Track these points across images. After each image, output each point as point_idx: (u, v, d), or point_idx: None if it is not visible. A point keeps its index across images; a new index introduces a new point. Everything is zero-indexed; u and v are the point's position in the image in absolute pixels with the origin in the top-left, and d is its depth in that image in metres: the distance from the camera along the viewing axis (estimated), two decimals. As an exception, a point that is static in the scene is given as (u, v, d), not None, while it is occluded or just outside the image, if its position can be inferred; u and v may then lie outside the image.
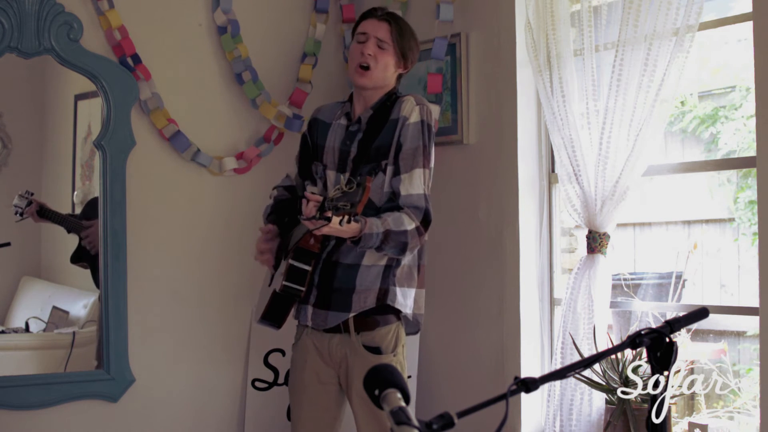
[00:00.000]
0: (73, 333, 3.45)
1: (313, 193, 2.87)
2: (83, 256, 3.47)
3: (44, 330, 3.47)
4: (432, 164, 2.88)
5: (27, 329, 3.45)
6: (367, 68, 2.85)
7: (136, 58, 3.42)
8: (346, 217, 2.42)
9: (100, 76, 3.32)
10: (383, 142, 2.83)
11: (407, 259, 2.86)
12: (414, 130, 2.80)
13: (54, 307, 3.51)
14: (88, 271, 3.50)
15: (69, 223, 3.46)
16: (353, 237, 2.66)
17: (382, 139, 2.83)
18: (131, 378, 3.42)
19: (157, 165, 3.51)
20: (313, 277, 2.84)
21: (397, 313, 2.86)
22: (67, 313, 3.51)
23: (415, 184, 2.78)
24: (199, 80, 3.60)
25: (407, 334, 2.94)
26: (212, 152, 3.59)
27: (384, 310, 2.84)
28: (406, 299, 2.86)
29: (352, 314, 2.82)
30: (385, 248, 2.72)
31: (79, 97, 3.55)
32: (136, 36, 3.41)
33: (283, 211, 2.99)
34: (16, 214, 3.38)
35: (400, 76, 2.97)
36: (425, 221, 2.78)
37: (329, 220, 2.42)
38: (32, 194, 3.38)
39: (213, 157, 3.58)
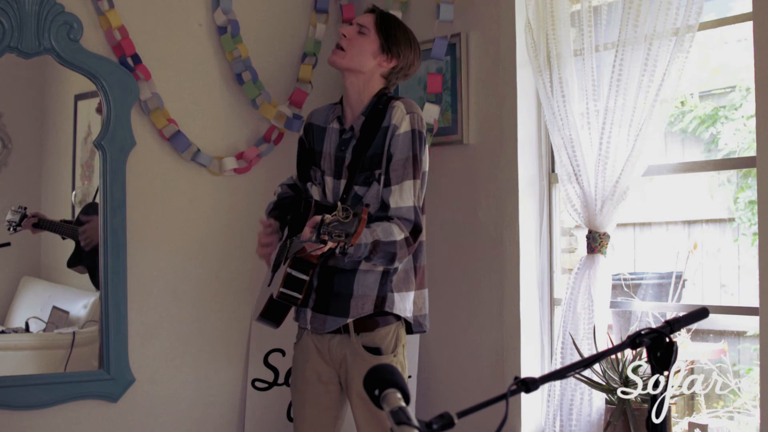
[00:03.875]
0: (73, 333, 3.45)
1: (315, 200, 2.90)
2: (80, 260, 3.47)
3: (44, 330, 3.46)
4: (425, 169, 2.86)
5: (27, 329, 3.45)
6: (341, 49, 2.89)
7: (136, 58, 3.42)
8: (341, 245, 2.42)
9: (100, 76, 3.32)
10: (376, 151, 2.82)
11: (401, 264, 2.85)
12: (404, 140, 2.79)
13: (54, 307, 3.51)
14: (84, 273, 3.50)
15: (65, 229, 3.46)
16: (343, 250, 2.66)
17: (375, 147, 2.82)
18: (131, 378, 3.42)
19: (157, 165, 3.51)
20: (312, 282, 2.84)
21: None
22: (67, 313, 3.51)
23: (405, 195, 2.77)
24: (199, 80, 3.60)
25: (414, 332, 2.94)
26: (212, 152, 3.59)
27: (384, 311, 2.84)
28: (404, 303, 2.86)
29: (349, 320, 2.82)
30: (374, 258, 2.71)
31: (79, 97, 3.55)
32: (136, 36, 3.41)
33: (286, 208, 2.99)
34: (9, 229, 3.37)
35: (389, 77, 2.92)
36: (414, 232, 2.77)
37: (325, 243, 2.44)
38: (26, 208, 3.38)
39: (213, 157, 3.58)
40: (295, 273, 2.77)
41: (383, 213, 2.78)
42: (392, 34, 2.87)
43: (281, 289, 2.78)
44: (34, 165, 3.55)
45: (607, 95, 2.92)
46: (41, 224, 3.42)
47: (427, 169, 2.88)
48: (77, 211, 3.54)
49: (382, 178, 2.80)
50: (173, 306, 3.54)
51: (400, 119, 2.80)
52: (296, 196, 3.06)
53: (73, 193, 3.54)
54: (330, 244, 2.47)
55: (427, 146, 2.88)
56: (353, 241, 2.39)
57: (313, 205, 2.89)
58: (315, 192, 2.94)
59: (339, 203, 2.63)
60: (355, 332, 2.83)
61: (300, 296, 2.78)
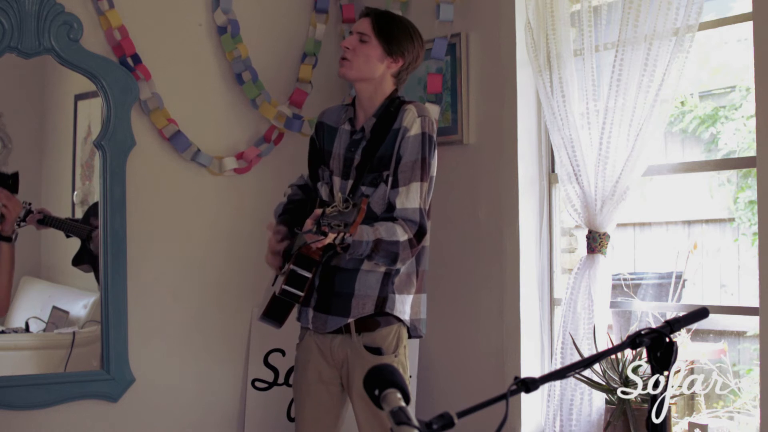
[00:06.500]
0: (73, 333, 3.45)
1: (323, 199, 2.90)
2: (85, 259, 3.47)
3: (44, 330, 3.46)
4: (433, 174, 2.86)
5: (27, 329, 3.45)
6: (346, 60, 2.87)
7: (136, 58, 3.42)
8: (341, 235, 2.46)
9: (100, 76, 3.32)
10: (386, 152, 2.82)
11: (404, 266, 2.85)
12: (414, 142, 2.79)
13: (54, 307, 3.51)
14: (88, 272, 3.50)
15: (71, 227, 3.45)
16: (343, 243, 2.66)
17: (384, 148, 2.83)
18: (131, 378, 3.42)
19: (157, 165, 3.51)
20: (314, 281, 2.84)
21: None
22: (67, 313, 3.51)
23: (411, 197, 2.77)
24: (199, 80, 3.60)
25: (411, 337, 2.94)
26: (212, 152, 3.59)
27: (385, 311, 2.84)
28: (404, 306, 2.86)
29: (350, 320, 2.82)
30: (376, 257, 2.72)
31: (79, 97, 3.55)
32: (136, 36, 3.41)
33: (296, 211, 2.98)
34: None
35: (399, 75, 2.93)
36: (419, 234, 2.77)
37: (326, 235, 2.47)
38: (30, 204, 3.37)
39: (213, 157, 3.58)
40: (298, 270, 2.77)
41: (389, 214, 2.79)
42: (392, 35, 2.86)
43: (284, 286, 2.78)
44: (34, 165, 3.55)
45: (607, 95, 2.92)
46: (46, 221, 3.41)
47: (435, 174, 2.88)
48: (78, 210, 3.53)
49: (390, 179, 2.80)
50: (173, 306, 3.54)
51: (411, 122, 2.80)
52: (305, 197, 3.05)
53: (74, 193, 3.54)
54: (330, 235, 2.49)
55: (436, 151, 2.88)
56: (352, 230, 2.42)
57: (318, 203, 2.89)
58: (324, 192, 2.94)
59: (339, 194, 2.64)
60: (357, 332, 2.83)
61: (302, 294, 2.78)
